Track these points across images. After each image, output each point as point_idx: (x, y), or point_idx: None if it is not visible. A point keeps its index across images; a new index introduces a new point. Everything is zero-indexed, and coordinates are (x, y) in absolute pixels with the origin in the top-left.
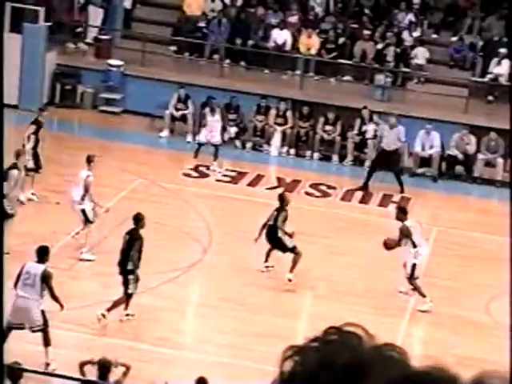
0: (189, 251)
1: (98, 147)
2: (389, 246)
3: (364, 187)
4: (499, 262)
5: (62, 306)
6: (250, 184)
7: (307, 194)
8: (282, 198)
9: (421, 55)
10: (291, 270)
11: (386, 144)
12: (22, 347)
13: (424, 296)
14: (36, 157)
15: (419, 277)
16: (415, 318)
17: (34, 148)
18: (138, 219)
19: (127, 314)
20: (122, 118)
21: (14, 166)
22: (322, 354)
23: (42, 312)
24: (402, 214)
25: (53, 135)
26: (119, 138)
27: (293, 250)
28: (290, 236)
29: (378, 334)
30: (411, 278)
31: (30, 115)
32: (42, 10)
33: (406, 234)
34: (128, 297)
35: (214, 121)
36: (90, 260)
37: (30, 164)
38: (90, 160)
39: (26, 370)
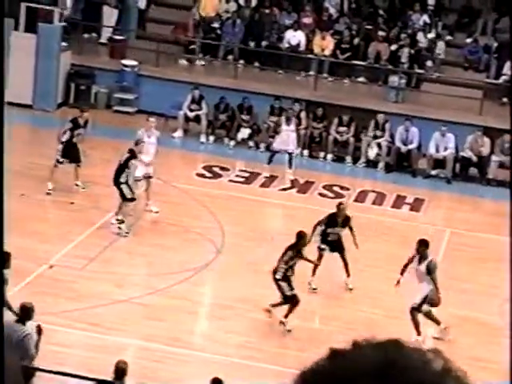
0: (202, 251)
1: (112, 147)
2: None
3: None
4: None
5: (15, 312)
6: (263, 185)
7: (320, 195)
8: (338, 208)
9: (440, 47)
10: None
11: None
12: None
13: (419, 333)
14: (69, 151)
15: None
16: (427, 320)
17: (67, 143)
18: (300, 237)
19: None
20: (136, 118)
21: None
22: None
23: None
24: (424, 247)
25: None
26: (133, 138)
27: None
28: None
29: (390, 336)
30: (417, 308)
31: (45, 115)
32: (56, 10)
33: (433, 270)
34: (289, 300)
35: (288, 130)
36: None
37: (58, 157)
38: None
39: (39, 370)
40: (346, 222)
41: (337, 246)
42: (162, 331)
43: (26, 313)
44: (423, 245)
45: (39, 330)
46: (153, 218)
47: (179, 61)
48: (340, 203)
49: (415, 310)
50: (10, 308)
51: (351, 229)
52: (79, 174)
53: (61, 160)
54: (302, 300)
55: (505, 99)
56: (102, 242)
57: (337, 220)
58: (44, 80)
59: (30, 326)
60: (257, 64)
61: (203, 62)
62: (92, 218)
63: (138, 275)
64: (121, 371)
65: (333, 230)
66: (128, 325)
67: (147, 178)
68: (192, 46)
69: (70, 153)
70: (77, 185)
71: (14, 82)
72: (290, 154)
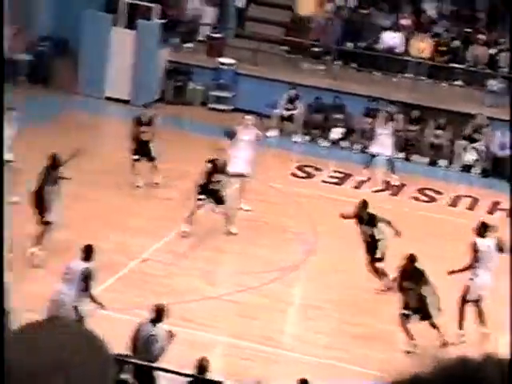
0: (294, 251)
1: (206, 144)
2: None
3: None
4: None
5: (100, 304)
6: (356, 186)
7: (414, 198)
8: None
9: None
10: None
11: None
12: None
13: (461, 328)
14: (140, 148)
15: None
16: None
17: (135, 141)
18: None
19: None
20: (231, 115)
21: None
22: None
23: (75, 308)
24: (482, 228)
25: (161, 131)
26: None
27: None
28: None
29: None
30: (462, 299)
31: (141, 110)
32: (155, 7)
33: (473, 250)
34: None
35: (385, 134)
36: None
37: (132, 155)
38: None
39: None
40: (373, 220)
41: (368, 246)
42: (254, 329)
43: (157, 314)
44: (481, 224)
45: (170, 336)
46: (246, 217)
47: (304, 65)
48: (362, 200)
49: (462, 301)
50: (94, 300)
51: (389, 223)
52: (157, 171)
53: (136, 157)
54: (390, 303)
55: None
56: (194, 239)
57: (362, 218)
58: (142, 76)
59: (161, 328)
60: (354, 65)
61: (322, 67)
62: (186, 213)
63: (230, 272)
64: (203, 368)
65: (362, 228)
66: (219, 321)
67: (242, 176)
68: (315, 49)
69: (142, 150)
70: (156, 183)
71: (113, 77)
72: (390, 160)
